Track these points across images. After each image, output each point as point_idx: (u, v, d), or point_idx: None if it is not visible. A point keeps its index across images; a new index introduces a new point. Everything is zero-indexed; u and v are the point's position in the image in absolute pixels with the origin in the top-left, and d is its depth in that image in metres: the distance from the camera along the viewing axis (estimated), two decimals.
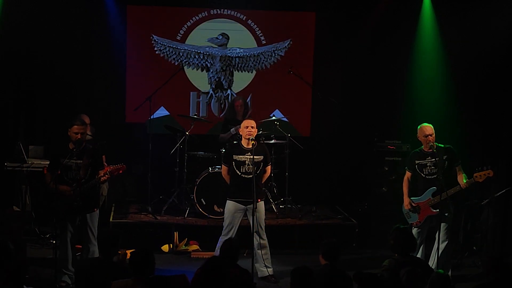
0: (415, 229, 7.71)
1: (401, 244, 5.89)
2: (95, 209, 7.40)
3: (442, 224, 7.59)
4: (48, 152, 9.06)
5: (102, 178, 7.20)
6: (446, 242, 7.64)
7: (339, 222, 9.46)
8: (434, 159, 7.58)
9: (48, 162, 8.74)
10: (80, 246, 7.46)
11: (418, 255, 7.58)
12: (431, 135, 7.59)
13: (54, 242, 7.48)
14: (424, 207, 7.65)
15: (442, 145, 7.65)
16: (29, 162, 8.98)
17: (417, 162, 7.73)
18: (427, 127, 7.64)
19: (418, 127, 7.70)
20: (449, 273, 7.52)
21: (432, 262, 7.59)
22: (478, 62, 9.62)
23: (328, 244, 5.91)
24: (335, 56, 10.53)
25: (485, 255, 8.29)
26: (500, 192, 8.47)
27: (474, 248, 8.73)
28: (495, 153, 9.29)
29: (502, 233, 9.09)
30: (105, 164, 7.64)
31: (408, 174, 7.87)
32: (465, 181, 7.46)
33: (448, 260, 7.70)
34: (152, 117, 9.46)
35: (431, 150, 7.58)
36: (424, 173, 7.68)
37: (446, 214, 7.58)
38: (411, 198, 7.73)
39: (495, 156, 9.24)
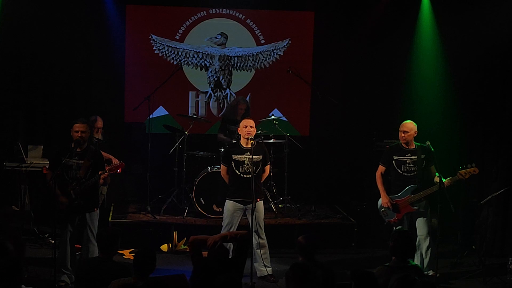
0: (397, 227, 7.72)
1: (400, 248, 5.87)
2: (95, 209, 7.40)
3: (420, 220, 7.64)
4: (47, 152, 9.07)
5: (102, 175, 7.20)
6: (429, 237, 7.67)
7: (338, 221, 9.47)
8: (414, 157, 7.61)
9: (47, 162, 8.80)
10: (80, 246, 7.46)
11: None
12: (404, 132, 7.64)
13: (53, 241, 7.48)
14: (403, 204, 7.67)
15: (419, 144, 7.67)
16: (28, 162, 8.99)
17: (395, 157, 7.74)
18: (405, 124, 7.70)
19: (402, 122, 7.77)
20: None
21: (420, 262, 7.67)
22: (478, 61, 9.61)
23: (301, 243, 5.89)
24: (334, 55, 10.53)
25: (486, 253, 8.32)
26: (500, 191, 8.47)
27: (473, 247, 8.73)
28: (495, 152, 9.29)
29: (501, 232, 9.09)
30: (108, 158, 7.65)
31: (381, 168, 7.89)
32: (444, 180, 7.45)
33: (433, 254, 7.70)
34: (151, 116, 9.46)
35: (411, 147, 7.61)
36: (402, 170, 7.70)
37: (424, 210, 7.65)
38: (389, 196, 7.75)
39: (495, 155, 9.24)
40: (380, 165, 7.92)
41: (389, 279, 5.44)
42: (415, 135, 7.71)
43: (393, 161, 7.74)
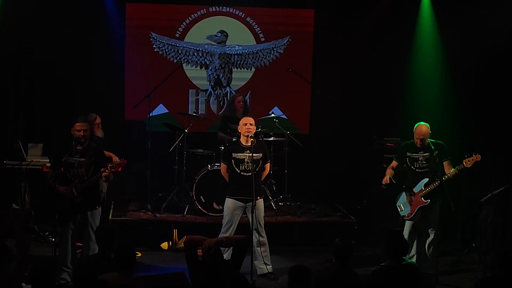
0: (409, 222, 7.79)
1: (393, 248, 5.85)
2: (97, 207, 7.41)
3: (430, 216, 7.73)
4: (47, 150, 9.09)
5: (103, 174, 7.20)
6: (433, 233, 7.75)
7: (338, 219, 9.47)
8: (426, 154, 7.69)
9: (47, 160, 8.82)
10: (81, 244, 7.46)
11: (412, 252, 7.73)
12: (424, 139, 7.65)
13: (53, 240, 7.48)
14: (416, 198, 7.74)
15: (433, 140, 7.71)
16: (28, 160, 9.00)
17: (408, 154, 7.83)
18: (423, 128, 7.70)
19: (416, 124, 7.78)
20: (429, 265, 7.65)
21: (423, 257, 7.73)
22: (477, 60, 9.62)
23: (337, 244, 5.85)
24: (334, 53, 10.52)
25: (485, 251, 8.34)
26: (499, 189, 8.48)
27: (473, 245, 8.74)
28: (495, 150, 9.29)
29: (501, 230, 9.09)
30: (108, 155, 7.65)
31: (394, 163, 8.00)
32: (452, 169, 7.54)
33: (434, 252, 7.72)
34: (151, 114, 9.46)
35: (424, 145, 7.68)
36: (415, 166, 7.79)
37: (435, 207, 7.70)
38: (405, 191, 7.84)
39: (495, 154, 9.24)
40: (393, 160, 8.05)
41: (386, 279, 5.45)
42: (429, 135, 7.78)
43: (407, 158, 7.83)
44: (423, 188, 7.71)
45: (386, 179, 7.87)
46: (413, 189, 7.79)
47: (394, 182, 7.83)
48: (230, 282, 4.84)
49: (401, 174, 8.00)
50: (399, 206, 7.92)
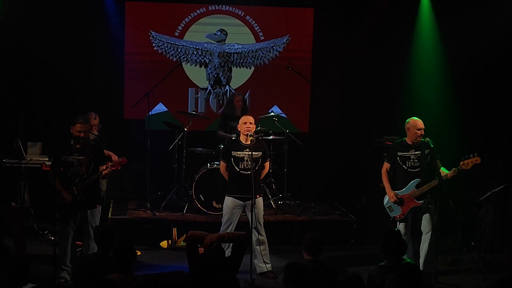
0: (402, 223, 7.73)
1: (391, 248, 5.82)
2: (97, 206, 7.41)
3: (425, 215, 7.67)
4: (46, 149, 9.09)
5: (103, 171, 7.21)
6: (430, 232, 7.67)
7: (338, 218, 9.48)
8: (418, 152, 7.62)
9: (46, 159, 8.82)
10: (81, 243, 7.47)
11: (410, 252, 7.67)
12: (423, 129, 7.61)
13: (52, 238, 7.48)
14: (408, 199, 7.66)
15: (423, 139, 7.67)
16: (28, 159, 9.00)
17: (399, 154, 7.73)
18: (420, 121, 7.65)
19: (408, 119, 7.73)
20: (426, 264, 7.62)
21: (421, 256, 7.69)
22: (478, 61, 9.61)
23: (309, 239, 5.89)
24: (334, 52, 10.52)
25: (485, 250, 8.34)
26: (499, 188, 8.46)
27: (473, 244, 8.74)
28: (495, 149, 9.29)
29: (500, 229, 9.10)
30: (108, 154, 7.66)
31: (386, 165, 7.87)
32: (448, 171, 7.45)
33: (432, 250, 7.69)
34: (150, 113, 9.46)
35: (415, 143, 7.61)
36: (406, 165, 7.69)
37: (430, 206, 7.64)
38: (394, 191, 7.74)
39: (495, 153, 9.24)
40: (385, 162, 7.92)
41: (385, 279, 5.43)
42: None
43: (398, 157, 7.73)
44: (415, 189, 7.63)
45: (394, 198, 7.68)
46: (403, 190, 7.68)
47: (399, 197, 7.69)
48: (223, 283, 4.85)
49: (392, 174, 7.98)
50: (388, 208, 7.82)
